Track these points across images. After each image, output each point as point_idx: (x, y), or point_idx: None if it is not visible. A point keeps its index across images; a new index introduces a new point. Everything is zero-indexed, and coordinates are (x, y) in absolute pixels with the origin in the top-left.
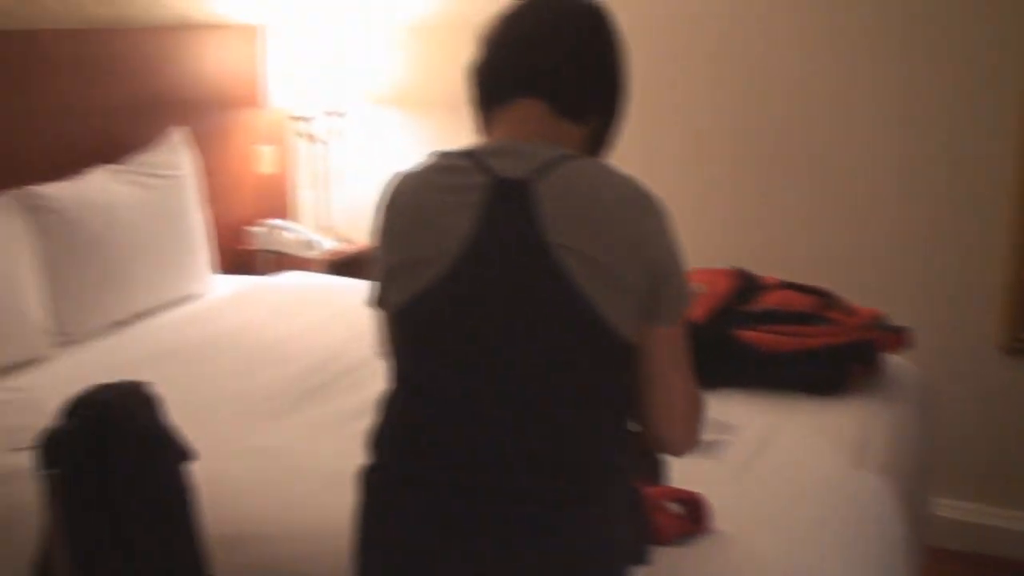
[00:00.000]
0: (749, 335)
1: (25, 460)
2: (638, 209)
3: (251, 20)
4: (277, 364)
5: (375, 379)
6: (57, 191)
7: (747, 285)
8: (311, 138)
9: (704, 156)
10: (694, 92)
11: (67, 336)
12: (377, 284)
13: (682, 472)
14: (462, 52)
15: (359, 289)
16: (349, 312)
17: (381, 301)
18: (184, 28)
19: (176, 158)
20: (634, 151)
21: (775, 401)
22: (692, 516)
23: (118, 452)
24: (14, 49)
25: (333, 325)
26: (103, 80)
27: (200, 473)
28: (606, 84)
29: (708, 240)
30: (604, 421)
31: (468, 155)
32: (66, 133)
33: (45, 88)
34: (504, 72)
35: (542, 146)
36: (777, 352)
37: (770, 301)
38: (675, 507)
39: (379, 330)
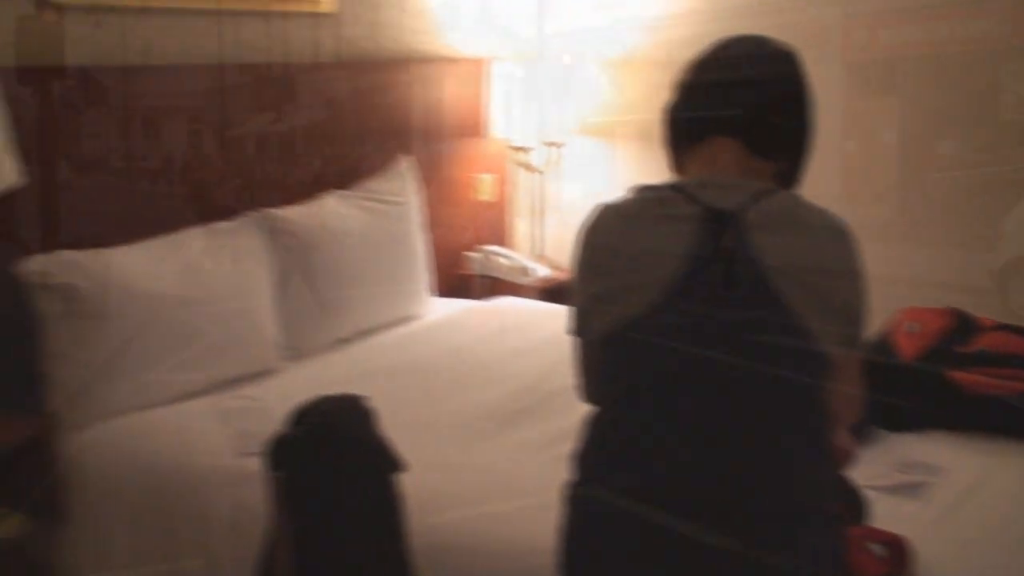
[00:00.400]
0: (962, 376)
1: (254, 464)
2: (841, 237)
3: (478, 53)
4: (489, 385)
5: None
6: (293, 214)
7: (962, 325)
8: (529, 168)
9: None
10: None
11: (295, 350)
12: (578, 312)
13: (885, 513)
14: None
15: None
16: (559, 337)
17: (581, 329)
18: (415, 61)
19: (402, 185)
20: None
21: (987, 444)
22: (894, 558)
23: (336, 459)
24: (265, 81)
25: (543, 349)
26: (338, 110)
27: (411, 485)
28: (797, 124)
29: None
30: (813, 444)
31: (675, 188)
32: (303, 160)
33: (291, 117)
34: (701, 113)
35: (742, 181)
36: (990, 394)
37: (986, 343)
38: (877, 548)
39: (577, 356)
